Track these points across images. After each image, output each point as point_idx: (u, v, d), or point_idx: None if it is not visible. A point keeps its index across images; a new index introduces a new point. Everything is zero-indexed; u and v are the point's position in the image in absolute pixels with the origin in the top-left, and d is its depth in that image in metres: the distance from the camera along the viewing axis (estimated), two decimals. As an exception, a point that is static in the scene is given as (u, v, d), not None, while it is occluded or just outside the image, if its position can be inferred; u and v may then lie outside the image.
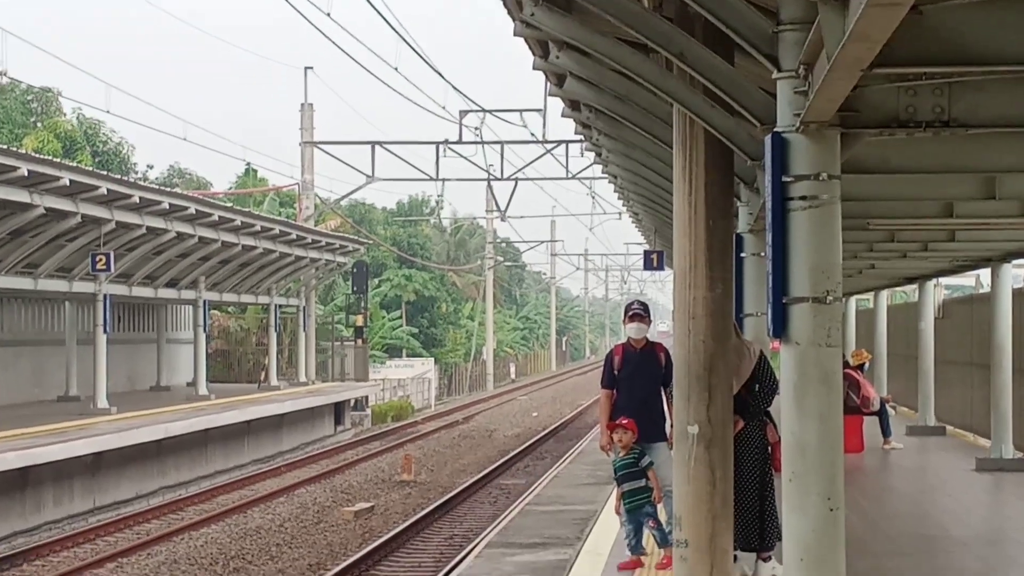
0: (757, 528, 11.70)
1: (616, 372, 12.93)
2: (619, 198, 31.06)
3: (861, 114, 7.97)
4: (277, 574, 21.96)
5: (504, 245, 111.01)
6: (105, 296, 34.59)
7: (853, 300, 35.41)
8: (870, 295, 34.86)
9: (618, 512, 12.93)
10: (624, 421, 12.54)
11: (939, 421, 26.69)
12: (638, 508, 12.45)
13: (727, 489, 11.24)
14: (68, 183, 28.94)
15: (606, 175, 25.50)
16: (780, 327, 7.95)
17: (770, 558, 11.79)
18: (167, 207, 34.36)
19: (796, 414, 7.94)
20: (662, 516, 12.57)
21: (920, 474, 21.45)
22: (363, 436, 48.42)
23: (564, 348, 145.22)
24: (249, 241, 41.43)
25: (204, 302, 42.64)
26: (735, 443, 11.41)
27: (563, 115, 16.17)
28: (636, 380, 12.84)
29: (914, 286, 28.95)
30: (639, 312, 12.97)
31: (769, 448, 11.82)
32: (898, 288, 35.44)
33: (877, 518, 15.98)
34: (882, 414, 23.45)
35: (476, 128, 52.89)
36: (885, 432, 23.45)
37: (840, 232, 7.94)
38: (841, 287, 7.96)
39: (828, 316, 7.86)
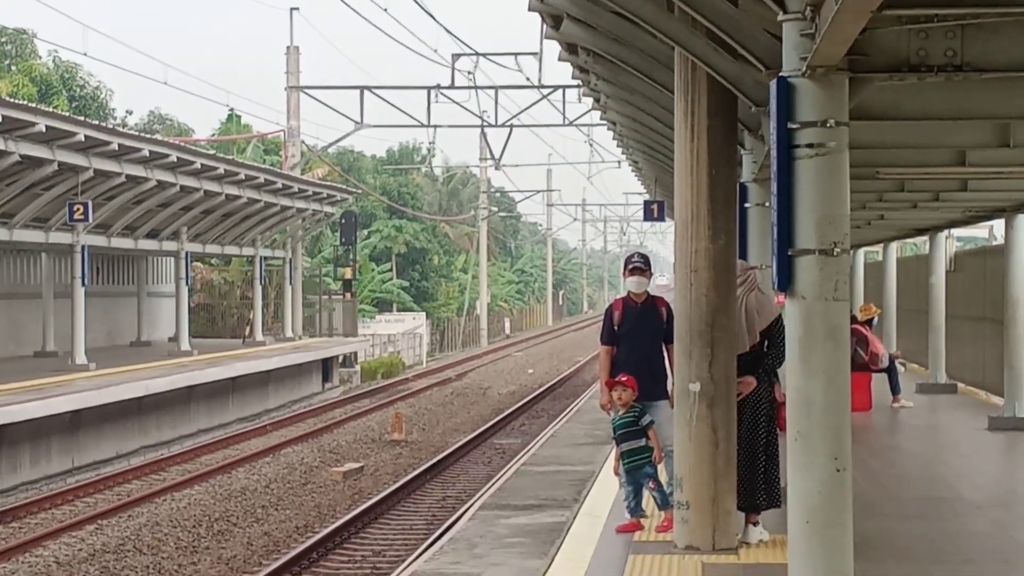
0: (763, 488, 11.71)
1: (616, 327, 12.92)
2: (618, 146, 31.02)
3: (870, 58, 7.94)
4: (263, 536, 22.01)
5: (498, 195, 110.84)
6: (83, 247, 34.54)
7: (861, 252, 35.39)
8: (879, 247, 34.86)
9: (617, 473, 12.94)
10: (624, 378, 12.54)
11: (950, 378, 26.73)
12: (638, 468, 12.46)
13: (730, 449, 11.28)
14: (44, 129, 28.86)
15: (604, 122, 25.45)
16: (785, 280, 7.94)
17: (758, 523, 11.81)
18: (147, 154, 34.29)
19: (802, 371, 7.94)
20: (663, 477, 12.59)
21: (930, 433, 21.50)
22: (352, 394, 48.47)
23: (561, 302, 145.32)
24: (233, 190, 41.36)
25: (186, 254, 42.61)
26: (744, 402, 11.45)
27: (560, 59, 16.12)
28: (636, 336, 12.84)
29: (925, 238, 28.95)
30: (639, 265, 12.95)
31: (775, 408, 11.83)
32: (908, 240, 35.44)
33: (885, 479, 16.02)
34: (891, 371, 23.49)
35: (469, 72, 52.74)
36: (894, 390, 23.48)
37: (848, 181, 7.93)
38: (849, 239, 7.95)
39: (835, 269, 7.86)
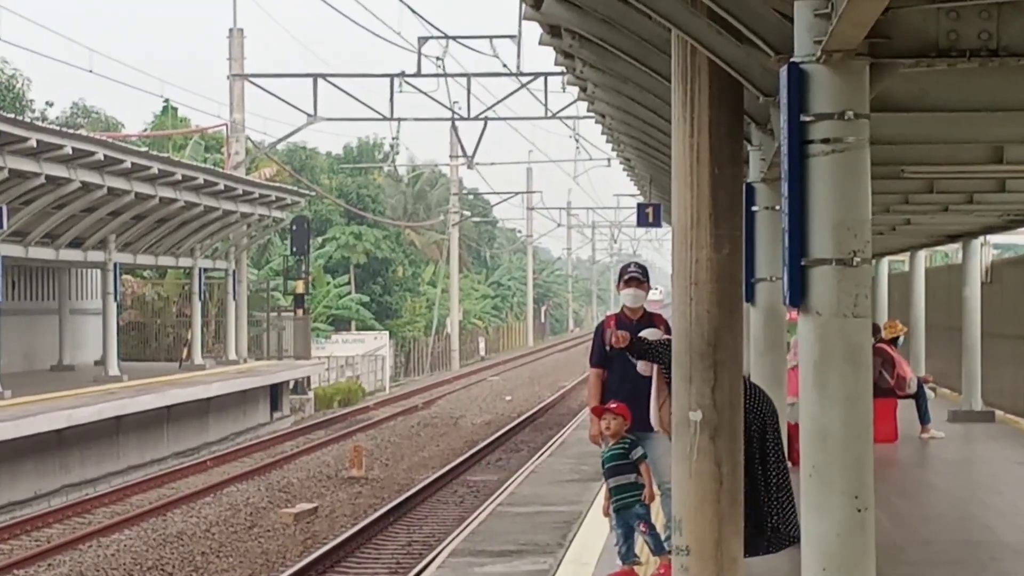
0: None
1: (608, 348, 12.91)
2: (608, 141, 31.05)
3: (894, 41, 7.96)
4: (203, 588, 21.99)
5: (472, 197, 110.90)
6: (-4, 258, 34.49)
7: (885, 262, 35.50)
8: (905, 256, 34.95)
9: (607, 514, 12.94)
10: (614, 405, 12.53)
11: (987, 405, 26.79)
12: (626, 508, 12.45)
13: (735, 486, 11.26)
14: (-49, 124, 28.84)
15: (592, 114, 25.47)
16: (798, 294, 7.95)
17: None
18: (70, 152, 34.21)
19: (817, 397, 7.94)
20: (660, 519, 12.59)
21: (964, 468, 21.54)
22: (304, 424, 48.45)
23: (543, 319, 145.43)
24: (168, 193, 41.31)
25: (115, 265, 42.53)
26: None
27: (541, 43, 16.13)
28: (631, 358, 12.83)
29: (957, 245, 29.02)
30: (636, 276, 12.94)
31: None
32: (938, 248, 35.53)
33: (913, 520, 16.05)
34: (919, 397, 23.52)
35: (438, 58, 52.84)
36: (923, 418, 23.53)
37: (869, 181, 7.94)
38: (870, 247, 7.96)
39: (855, 281, 7.87)
